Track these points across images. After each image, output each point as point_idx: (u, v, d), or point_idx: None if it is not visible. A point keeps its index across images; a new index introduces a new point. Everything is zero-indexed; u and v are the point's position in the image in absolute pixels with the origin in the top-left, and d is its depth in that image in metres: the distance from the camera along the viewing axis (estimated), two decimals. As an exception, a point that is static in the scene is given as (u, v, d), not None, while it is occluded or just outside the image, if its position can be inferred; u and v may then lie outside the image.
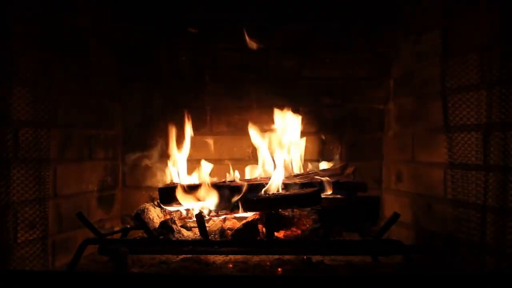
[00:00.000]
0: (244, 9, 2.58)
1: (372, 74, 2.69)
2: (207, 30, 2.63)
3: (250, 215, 2.16)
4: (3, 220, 1.69)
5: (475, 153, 1.78)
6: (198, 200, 2.14)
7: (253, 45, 2.54)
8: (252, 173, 2.46)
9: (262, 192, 2.13)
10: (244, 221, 2.08)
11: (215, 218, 2.18)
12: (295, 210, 2.13)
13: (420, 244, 2.20)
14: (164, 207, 2.21)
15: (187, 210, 2.23)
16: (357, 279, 1.64)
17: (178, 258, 2.14)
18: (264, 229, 2.02)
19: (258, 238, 2.00)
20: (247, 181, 2.20)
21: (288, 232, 2.08)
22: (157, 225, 2.08)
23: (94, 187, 2.39)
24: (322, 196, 2.09)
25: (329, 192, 2.17)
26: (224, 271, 2.00)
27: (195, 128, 2.62)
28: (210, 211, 2.16)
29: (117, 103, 2.65)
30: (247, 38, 2.53)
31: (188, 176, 2.45)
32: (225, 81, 2.68)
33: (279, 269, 2.02)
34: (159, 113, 2.64)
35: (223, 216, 2.18)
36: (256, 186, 2.14)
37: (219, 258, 2.16)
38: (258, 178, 2.29)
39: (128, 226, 2.21)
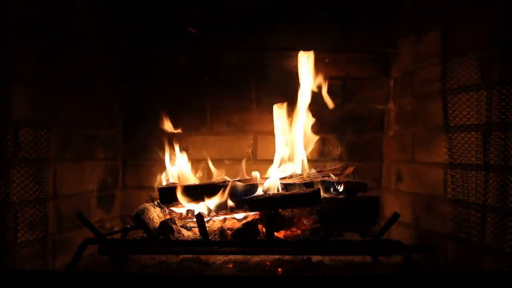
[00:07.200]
0: (244, 8, 2.58)
1: (372, 74, 2.69)
2: (207, 30, 2.63)
3: (250, 215, 2.16)
4: (3, 220, 1.69)
5: (475, 153, 1.78)
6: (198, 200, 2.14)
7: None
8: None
9: (262, 192, 2.13)
10: (244, 221, 2.08)
11: (215, 218, 2.18)
12: (295, 210, 2.13)
13: (420, 244, 2.20)
14: (164, 207, 2.21)
15: (187, 210, 2.23)
16: (357, 279, 1.64)
17: (178, 258, 2.14)
18: (264, 229, 2.02)
19: (258, 238, 2.00)
20: (247, 181, 2.20)
21: (288, 232, 2.08)
22: (157, 225, 2.08)
23: (94, 187, 2.39)
24: (322, 196, 2.09)
25: (329, 192, 2.17)
26: (224, 271, 2.00)
27: (195, 128, 2.63)
28: (210, 211, 2.16)
29: (117, 103, 2.65)
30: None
31: (189, 176, 2.45)
32: (225, 81, 2.68)
33: (279, 269, 2.02)
34: (159, 113, 2.64)
35: (223, 216, 2.18)
36: (256, 186, 2.14)
37: (219, 258, 2.16)
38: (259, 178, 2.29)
39: (128, 226, 2.21)
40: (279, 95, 2.60)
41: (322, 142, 2.66)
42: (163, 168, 2.50)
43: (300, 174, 2.33)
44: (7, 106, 1.71)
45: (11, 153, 1.72)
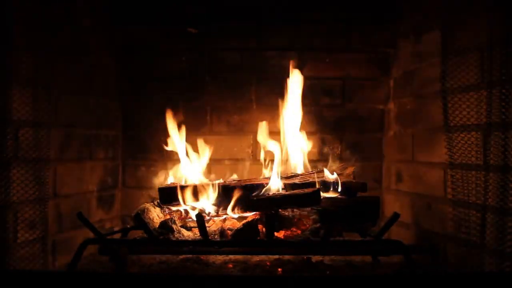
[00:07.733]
0: (244, 8, 2.58)
1: (372, 74, 2.69)
2: (207, 30, 2.63)
3: (250, 215, 2.16)
4: (3, 220, 1.69)
5: (475, 153, 1.78)
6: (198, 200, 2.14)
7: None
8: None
9: (262, 192, 2.13)
10: (244, 221, 2.08)
11: (215, 218, 2.18)
12: (295, 210, 2.13)
13: (420, 244, 2.20)
14: (164, 207, 2.21)
15: (187, 210, 2.23)
16: (357, 279, 1.64)
17: (178, 258, 2.14)
18: (264, 229, 2.02)
19: (258, 238, 2.00)
20: (247, 181, 2.20)
21: (288, 232, 2.08)
22: (157, 225, 2.07)
23: (94, 187, 2.39)
24: (322, 196, 2.09)
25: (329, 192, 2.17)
26: (224, 271, 2.00)
27: (195, 128, 2.63)
28: (210, 211, 2.16)
29: (117, 103, 2.65)
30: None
31: (189, 176, 2.44)
32: (225, 81, 2.68)
33: (279, 269, 2.02)
34: (159, 113, 2.64)
35: (223, 216, 2.18)
36: (256, 186, 2.14)
37: (219, 258, 2.16)
38: (259, 178, 2.29)
39: (128, 226, 2.21)
40: (279, 95, 2.59)
41: (322, 142, 2.66)
42: (163, 168, 2.50)
43: (300, 174, 2.33)
44: (7, 106, 1.71)
45: (11, 153, 1.72)
